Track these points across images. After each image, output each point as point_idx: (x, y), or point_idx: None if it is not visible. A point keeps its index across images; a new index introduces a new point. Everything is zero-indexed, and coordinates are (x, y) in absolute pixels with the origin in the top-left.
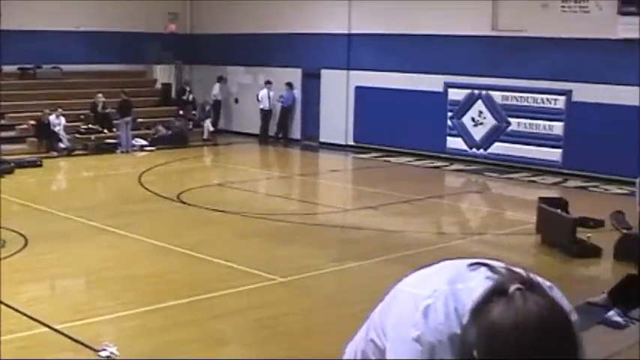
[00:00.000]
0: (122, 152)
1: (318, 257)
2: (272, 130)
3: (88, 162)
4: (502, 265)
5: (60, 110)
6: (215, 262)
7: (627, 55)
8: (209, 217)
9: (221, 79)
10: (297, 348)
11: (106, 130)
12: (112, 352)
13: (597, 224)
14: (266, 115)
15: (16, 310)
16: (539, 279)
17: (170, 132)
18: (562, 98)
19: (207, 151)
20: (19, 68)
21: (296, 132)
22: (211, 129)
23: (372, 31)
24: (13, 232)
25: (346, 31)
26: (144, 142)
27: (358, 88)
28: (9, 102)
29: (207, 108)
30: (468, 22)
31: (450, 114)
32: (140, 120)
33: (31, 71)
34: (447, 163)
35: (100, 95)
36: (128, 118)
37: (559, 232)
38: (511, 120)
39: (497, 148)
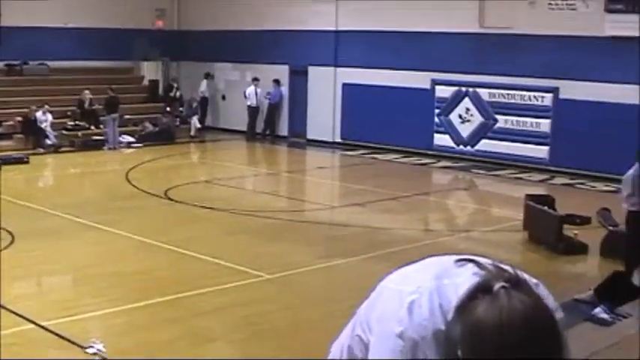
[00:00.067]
0: (109, 149)
1: (305, 254)
2: (259, 127)
3: (75, 159)
4: (489, 261)
5: (47, 107)
6: (202, 259)
7: (614, 52)
8: (196, 214)
9: (208, 76)
10: (283, 345)
11: (93, 127)
12: (98, 349)
13: (584, 221)
14: (253, 111)
15: (3, 307)
16: (526, 276)
17: (157, 129)
18: (549, 95)
19: (195, 147)
20: (5, 64)
21: (283, 129)
22: (198, 126)
23: (360, 28)
24: (0, 229)
25: (333, 28)
26: (131, 139)
27: (345, 85)
28: None
29: (194, 105)
30: (456, 19)
31: (437, 111)
32: (127, 117)
33: (18, 67)
34: (434, 160)
35: (87, 92)
36: (115, 115)
37: (546, 229)
38: (498, 117)
39: (485, 145)
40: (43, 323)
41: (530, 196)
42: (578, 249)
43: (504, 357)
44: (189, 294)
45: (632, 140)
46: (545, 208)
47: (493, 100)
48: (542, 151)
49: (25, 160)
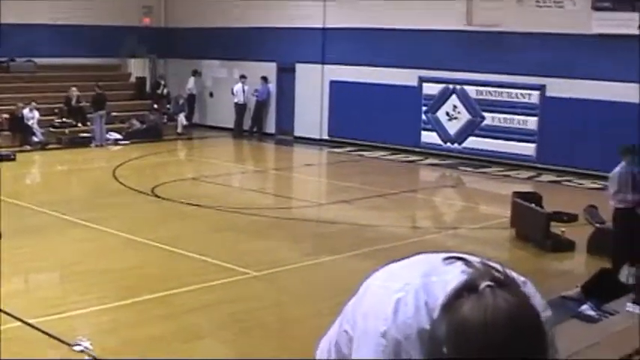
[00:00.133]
0: (96, 146)
1: (292, 251)
2: (247, 124)
3: (62, 156)
4: (478, 259)
5: (34, 104)
6: (189, 256)
7: (601, 50)
8: (183, 211)
9: (196, 73)
10: (271, 342)
11: (80, 124)
12: (85, 347)
13: (571, 218)
14: (241, 109)
15: None
16: (514, 274)
17: (144, 126)
18: (536, 93)
19: (182, 145)
20: None
21: (270, 126)
22: (185, 123)
23: (347, 26)
24: None
25: (321, 26)
26: (118, 136)
27: (333, 83)
28: None
29: (181, 102)
30: (443, 16)
31: (424, 108)
32: (114, 114)
33: (5, 64)
34: (421, 158)
35: (74, 89)
36: (102, 112)
37: (533, 226)
38: (485, 114)
39: (472, 142)
40: (30, 321)
41: (517, 194)
42: (565, 246)
43: (489, 356)
44: (176, 291)
45: (619, 137)
46: (533, 205)
47: (480, 97)
48: (529, 149)
49: (12, 157)
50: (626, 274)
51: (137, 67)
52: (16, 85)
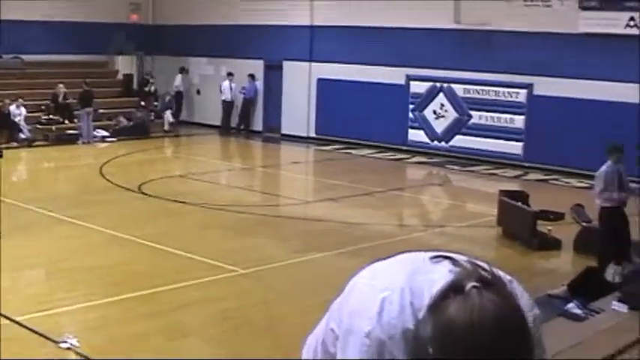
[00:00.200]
0: (83, 143)
1: (279, 249)
2: (234, 121)
3: (49, 153)
4: (465, 258)
5: (21, 100)
6: (176, 253)
7: (588, 49)
8: (170, 209)
9: (183, 70)
10: (257, 339)
11: (67, 121)
12: (72, 344)
13: (557, 217)
14: (228, 106)
15: None
16: (501, 273)
17: (131, 123)
18: (523, 92)
19: (169, 142)
20: None
21: (258, 124)
22: (171, 120)
23: (335, 24)
24: None
25: (309, 23)
26: (105, 133)
27: (320, 80)
28: None
29: (168, 99)
30: (431, 15)
31: (411, 107)
32: (101, 111)
33: None
34: (408, 156)
35: (61, 85)
36: (89, 109)
37: (520, 224)
38: (473, 113)
39: (459, 140)
40: (16, 318)
41: (504, 192)
42: (551, 245)
43: (475, 357)
44: (163, 289)
45: (606, 136)
46: (519, 203)
47: (467, 96)
48: (516, 147)
49: None
50: (612, 273)
51: (124, 64)
52: (2, 82)
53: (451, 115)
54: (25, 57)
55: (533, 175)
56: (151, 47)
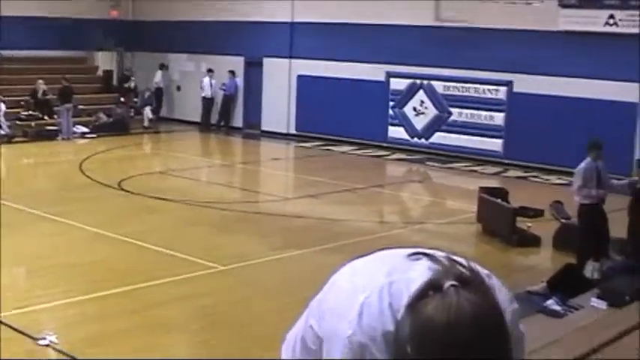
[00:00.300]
0: (63, 139)
1: (259, 246)
2: (214, 118)
3: (29, 149)
4: (443, 254)
5: None
6: (156, 250)
7: (568, 47)
8: (150, 205)
9: (163, 67)
10: (238, 336)
11: (46, 117)
12: (51, 341)
13: (537, 214)
14: (208, 103)
15: None
16: (479, 267)
17: (111, 119)
18: (503, 89)
19: (149, 138)
20: None
21: (238, 120)
22: (151, 116)
23: (315, 20)
24: None
25: (289, 20)
26: (85, 129)
27: (300, 77)
28: None
29: (148, 95)
30: (411, 12)
31: (391, 103)
32: (81, 107)
33: None
34: (388, 153)
35: (40, 81)
36: (69, 105)
37: (499, 221)
38: (452, 110)
39: (439, 137)
40: None
41: (484, 189)
42: (531, 241)
43: (453, 356)
44: (143, 285)
45: (585, 133)
46: (499, 200)
47: (447, 93)
48: (496, 144)
49: None
50: (590, 270)
51: (104, 60)
52: None
53: (431, 112)
54: (4, 52)
55: (512, 172)
56: (131, 43)
